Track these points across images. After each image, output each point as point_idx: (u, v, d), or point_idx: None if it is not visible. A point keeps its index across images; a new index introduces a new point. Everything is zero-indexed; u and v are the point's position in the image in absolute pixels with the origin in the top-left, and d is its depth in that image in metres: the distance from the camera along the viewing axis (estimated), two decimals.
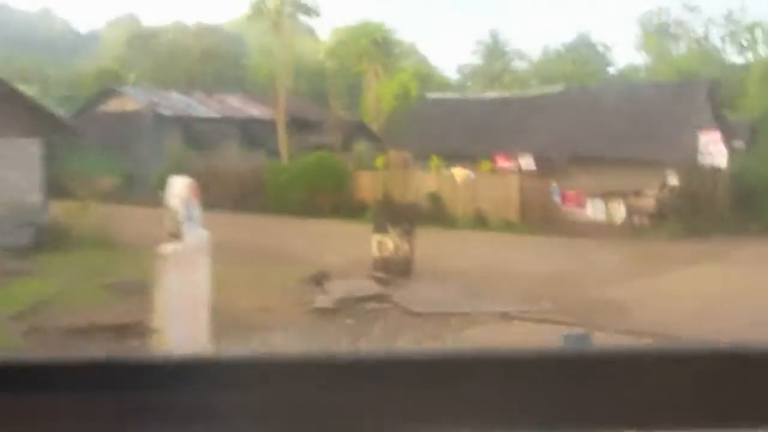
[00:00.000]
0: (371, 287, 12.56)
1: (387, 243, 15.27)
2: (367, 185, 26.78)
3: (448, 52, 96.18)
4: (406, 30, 72.55)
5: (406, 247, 15.30)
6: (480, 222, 23.74)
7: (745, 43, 38.12)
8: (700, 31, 42.78)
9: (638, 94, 23.84)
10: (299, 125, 33.38)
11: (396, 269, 14.46)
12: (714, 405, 0.79)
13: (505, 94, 29.29)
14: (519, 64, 48.09)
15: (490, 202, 23.90)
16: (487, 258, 17.44)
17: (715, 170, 20.75)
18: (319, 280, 13.14)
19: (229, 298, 10.23)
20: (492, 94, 29.82)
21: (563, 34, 62.79)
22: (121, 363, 0.82)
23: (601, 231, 20.99)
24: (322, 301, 11.71)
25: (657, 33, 44.47)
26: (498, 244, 20.12)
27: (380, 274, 14.05)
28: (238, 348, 7.45)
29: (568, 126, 23.58)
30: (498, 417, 0.80)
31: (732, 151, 22.06)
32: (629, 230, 20.76)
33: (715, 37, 41.63)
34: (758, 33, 34.96)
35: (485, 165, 24.75)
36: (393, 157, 27.31)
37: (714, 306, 11.91)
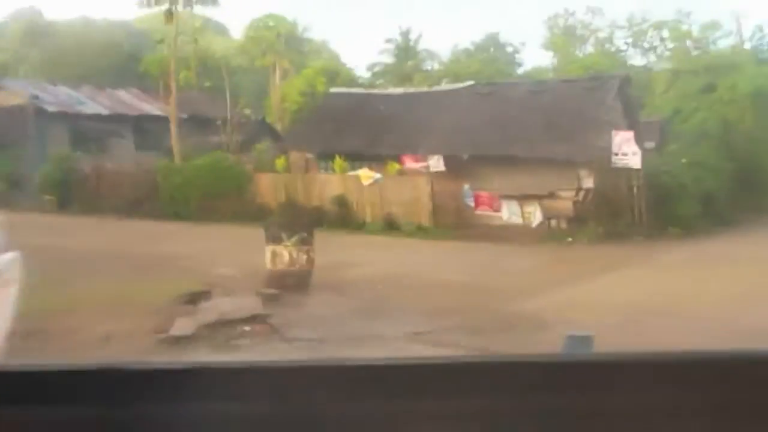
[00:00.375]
0: (252, 307, 10.85)
1: (282, 254, 13.66)
2: (268, 188, 25.11)
3: (361, 51, 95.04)
4: (317, 28, 70.87)
5: (303, 258, 13.73)
6: (390, 227, 22.39)
7: (647, 45, 38.35)
8: (605, 33, 43.20)
9: (549, 90, 22.94)
10: (198, 123, 31.37)
11: (291, 283, 12.83)
12: (716, 411, 0.77)
13: (411, 89, 28.01)
14: (430, 64, 47.66)
15: (400, 205, 22.58)
16: (396, 266, 16.08)
17: (631, 171, 19.98)
18: (195, 298, 11.35)
19: (75, 323, 8.47)
20: (398, 89, 28.45)
21: (473, 34, 62.60)
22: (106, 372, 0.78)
23: (518, 235, 19.95)
24: (180, 326, 9.84)
25: (564, 34, 44.69)
26: (409, 250, 18.80)
27: (271, 290, 12.40)
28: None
29: (478, 124, 22.46)
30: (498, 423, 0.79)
31: (644, 152, 21.37)
32: (546, 234, 19.76)
33: (620, 40, 42.07)
34: (665, 32, 35.08)
35: (392, 166, 23.39)
36: (294, 158, 25.71)
37: (638, 318, 10.85)
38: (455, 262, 16.60)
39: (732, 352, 0.81)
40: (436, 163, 22.55)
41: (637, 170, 20.03)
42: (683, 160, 20.68)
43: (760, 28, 34.97)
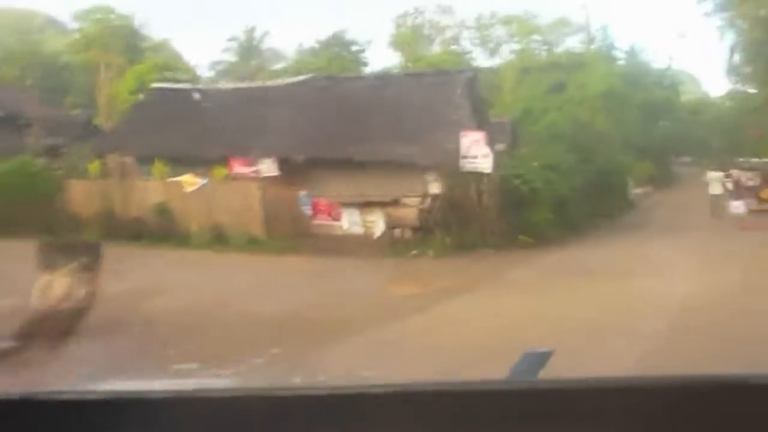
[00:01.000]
0: None
1: (55, 286, 10.66)
2: (81, 197, 21.71)
3: (205, 50, 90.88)
4: (158, 25, 66.53)
5: (81, 291, 10.78)
6: (218, 239, 19.61)
7: (494, 44, 37.48)
8: (452, 33, 42.33)
9: (393, 85, 20.87)
10: (10, 123, 27.37)
11: (51, 328, 9.87)
12: None
13: (243, 84, 25.21)
14: (275, 63, 45.82)
15: (229, 215, 19.80)
16: (214, 291, 13.35)
17: (481, 176, 18.25)
18: None
19: None
20: (228, 84, 25.58)
21: (318, 32, 60.62)
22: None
23: (358, 247, 17.71)
24: None
25: (412, 33, 43.62)
26: (233, 268, 16.16)
27: (24, 334, 9.41)
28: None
29: (315, 122, 20.13)
30: None
31: (495, 154, 19.76)
32: (389, 246, 17.62)
33: (467, 40, 41.23)
34: (513, 27, 34.01)
35: (219, 171, 20.61)
36: (110, 162, 22.37)
37: (493, 353, 8.73)
38: (282, 283, 14.11)
39: (682, 378, 0.76)
40: (269, 167, 19.96)
41: (488, 174, 18.34)
42: (535, 163, 19.22)
43: (605, 29, 34.94)
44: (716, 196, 23.47)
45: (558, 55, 28.46)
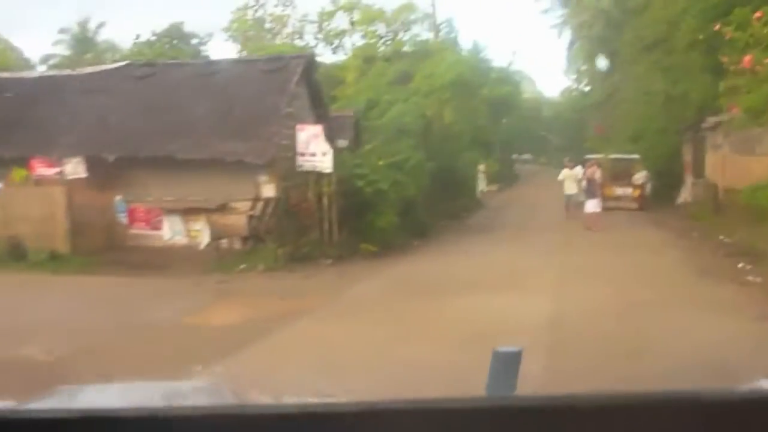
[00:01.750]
0: None
1: None
2: None
3: (39, 42, 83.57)
4: None
5: None
6: (14, 255, 16.50)
7: (337, 41, 35.72)
8: (295, 27, 40.36)
9: (220, 72, 18.40)
10: None
11: None
12: None
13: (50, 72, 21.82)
14: (111, 56, 42.26)
15: (28, 225, 16.71)
16: None
17: (320, 176, 16.30)
18: None
19: None
20: (34, 72, 22.12)
21: (155, 24, 56.65)
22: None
23: (180, 261, 15.26)
24: None
25: (253, 26, 41.25)
26: (18, 293, 13.21)
27: None
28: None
29: (131, 116, 17.40)
30: None
31: (336, 151, 17.86)
32: (214, 260, 15.23)
33: (310, 35, 39.28)
34: (356, 15, 32.25)
35: (18, 173, 17.44)
36: None
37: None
38: (75, 316, 11.43)
39: (657, 394, 0.75)
40: (75, 168, 17.00)
41: (328, 174, 16.39)
42: (380, 162, 17.47)
43: (450, 22, 34.00)
44: (570, 196, 22.80)
45: (403, 43, 27.01)
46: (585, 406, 0.78)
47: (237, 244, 15.65)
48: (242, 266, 14.69)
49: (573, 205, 22.55)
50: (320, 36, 37.34)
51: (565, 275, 13.79)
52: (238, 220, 15.68)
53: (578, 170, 22.79)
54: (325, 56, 35.34)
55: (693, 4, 24.37)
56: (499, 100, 39.84)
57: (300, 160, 16.31)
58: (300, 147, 16.26)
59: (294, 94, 17.69)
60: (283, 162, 16.10)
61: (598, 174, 21.63)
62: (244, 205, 15.83)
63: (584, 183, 21.56)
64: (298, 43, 39.42)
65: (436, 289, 12.13)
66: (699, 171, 28.41)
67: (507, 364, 1.20)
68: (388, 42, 28.62)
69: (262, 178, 16.01)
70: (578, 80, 56.89)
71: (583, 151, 55.64)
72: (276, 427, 0.75)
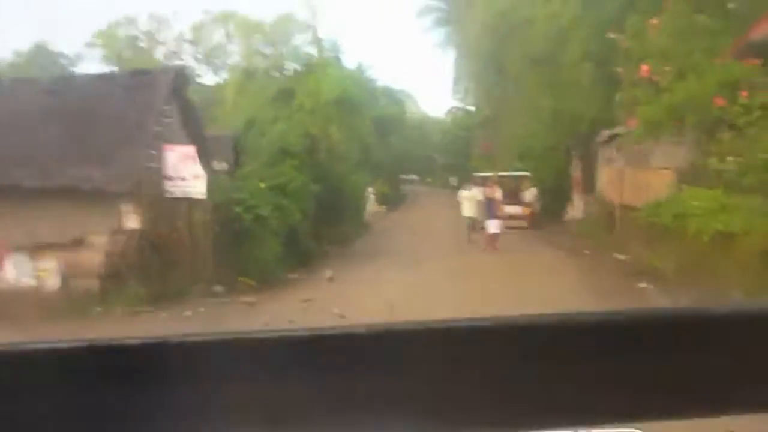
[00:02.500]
0: None
1: None
2: None
3: None
4: None
5: None
6: None
7: (218, 62, 33.62)
8: (172, 47, 37.91)
9: (74, 90, 16.26)
10: None
11: None
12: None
13: None
14: None
15: None
16: None
17: (193, 202, 14.50)
18: None
19: None
20: None
21: (19, 43, 52.93)
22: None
23: (27, 307, 13.04)
24: None
25: (127, 44, 38.63)
26: None
27: None
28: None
29: None
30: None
31: (213, 175, 16.11)
32: (66, 303, 13.08)
33: (189, 55, 37.00)
34: (232, 27, 30.21)
35: None
36: None
37: None
38: None
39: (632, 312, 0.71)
40: None
41: (202, 200, 14.62)
42: (261, 185, 15.85)
43: (333, 40, 32.71)
44: (471, 218, 21.64)
45: (285, 57, 25.36)
46: (592, 322, 0.71)
47: (94, 284, 13.55)
48: (98, 309, 12.67)
49: (474, 228, 21.47)
50: (200, 56, 35.20)
51: (460, 306, 12.63)
52: (95, 257, 13.58)
53: (476, 192, 21.81)
54: (208, 78, 33.24)
55: (584, 14, 24.03)
56: (385, 119, 38.94)
57: (169, 185, 14.46)
58: (168, 170, 14.43)
59: (162, 112, 15.81)
60: (149, 188, 14.18)
61: (498, 193, 20.74)
62: (102, 239, 13.77)
63: (484, 203, 20.63)
64: (177, 63, 37.11)
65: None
66: (590, 187, 28.27)
67: None
68: (269, 56, 26.89)
69: (125, 207, 14.02)
70: (464, 98, 56.94)
71: (470, 169, 55.85)
72: (287, 352, 0.70)
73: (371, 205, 36.14)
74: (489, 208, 20.35)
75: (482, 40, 41.08)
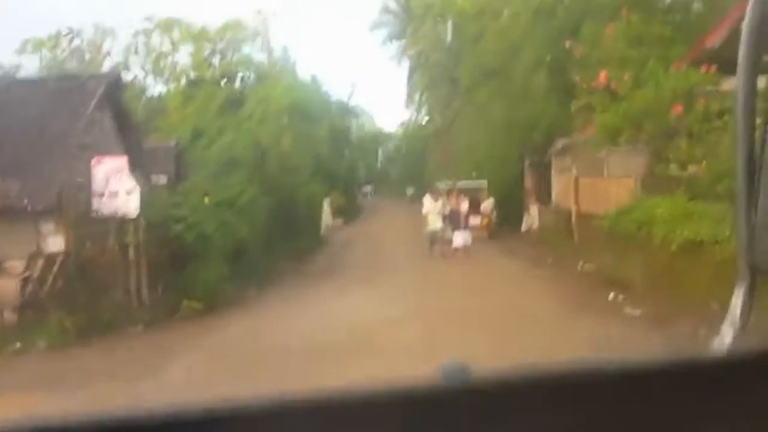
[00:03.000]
0: None
1: None
2: None
3: None
4: None
5: None
6: None
7: (167, 74, 31.75)
8: (119, 58, 35.94)
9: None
10: None
11: None
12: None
13: None
14: None
15: None
16: None
17: (123, 222, 12.89)
18: None
19: None
20: None
21: None
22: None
23: None
24: None
25: (70, 57, 36.39)
26: None
27: None
28: None
29: None
30: None
31: (150, 190, 14.52)
32: None
33: (136, 65, 35.03)
34: (176, 33, 28.38)
35: None
36: None
37: None
38: None
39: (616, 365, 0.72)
40: None
41: (136, 218, 13.01)
42: (206, 200, 14.32)
43: (285, 50, 31.25)
44: (435, 232, 20.17)
45: (233, 64, 23.74)
46: (538, 379, 0.73)
47: (10, 316, 11.84)
48: (17, 345, 10.97)
49: (439, 241, 19.94)
50: (148, 67, 33.27)
51: (427, 326, 11.31)
52: (9, 285, 11.86)
53: (440, 203, 20.39)
54: (155, 88, 31.23)
55: (536, 24, 23.18)
56: (339, 131, 37.73)
57: (98, 201, 12.84)
58: (97, 185, 12.81)
59: (92, 120, 14.18)
60: (74, 205, 12.53)
61: (464, 204, 19.38)
62: (18, 265, 12.06)
63: (448, 215, 19.28)
64: (124, 74, 34.99)
65: (273, 364, 9.27)
66: (545, 196, 27.43)
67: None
68: (216, 64, 25.19)
69: (46, 226, 12.35)
70: (418, 110, 56.23)
71: (425, 181, 55.06)
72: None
73: (327, 217, 34.79)
74: (454, 219, 19.02)
75: (434, 53, 40.22)
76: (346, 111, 42.21)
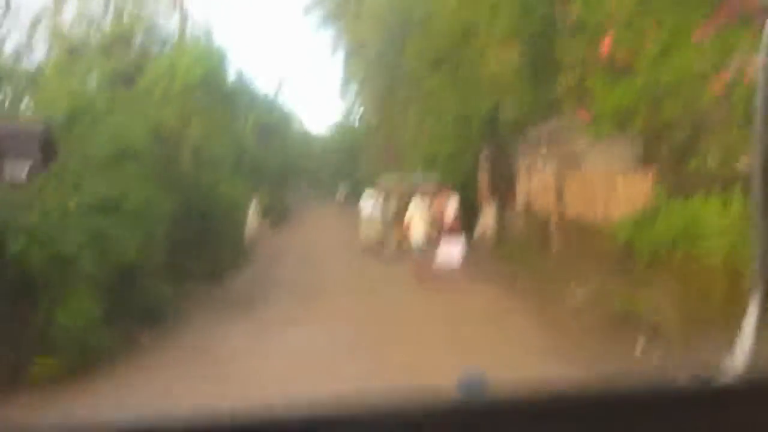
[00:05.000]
0: None
1: None
2: None
3: None
4: None
5: None
6: None
7: (42, 36, 26.34)
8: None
9: None
10: None
11: None
12: None
13: None
14: None
15: None
16: None
17: None
18: None
19: None
20: None
21: None
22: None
23: None
24: None
25: None
26: None
27: None
28: None
29: None
30: None
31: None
32: None
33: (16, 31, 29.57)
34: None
35: None
36: None
37: None
38: None
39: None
40: None
41: None
42: (71, 203, 9.77)
43: (208, 34, 26.45)
44: (420, 246, 14.80)
45: (128, 25, 18.57)
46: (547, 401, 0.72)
47: None
48: None
49: (418, 260, 14.53)
50: (24, 29, 27.52)
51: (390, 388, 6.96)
52: None
53: (420, 206, 15.30)
54: (32, 56, 25.76)
55: None
56: (269, 128, 33.51)
57: None
58: None
59: None
60: None
61: (452, 206, 14.29)
62: None
63: (430, 221, 14.51)
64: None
65: None
66: (506, 197, 23.62)
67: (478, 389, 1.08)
68: (107, 29, 19.87)
69: None
70: (355, 102, 52.41)
71: (361, 180, 51.08)
72: None
73: (254, 221, 30.32)
74: (433, 225, 14.27)
75: (375, 38, 36.45)
76: (275, 105, 37.90)
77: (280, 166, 41.13)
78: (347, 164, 55.60)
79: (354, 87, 48.09)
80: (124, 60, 15.13)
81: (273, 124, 36.02)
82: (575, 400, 0.76)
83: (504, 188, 24.29)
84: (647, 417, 0.74)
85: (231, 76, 21.60)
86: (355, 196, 53.60)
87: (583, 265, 13.62)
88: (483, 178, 25.40)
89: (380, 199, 22.26)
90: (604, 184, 14.03)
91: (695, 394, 0.76)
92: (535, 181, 19.65)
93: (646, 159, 14.25)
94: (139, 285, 11.18)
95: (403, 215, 22.86)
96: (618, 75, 13.33)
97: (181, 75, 14.04)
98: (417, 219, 14.79)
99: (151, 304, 11.64)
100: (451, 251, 13.80)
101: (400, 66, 33.61)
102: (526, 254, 17.39)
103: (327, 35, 47.72)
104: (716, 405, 0.73)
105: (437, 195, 14.81)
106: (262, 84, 37.85)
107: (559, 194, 16.93)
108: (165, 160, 14.28)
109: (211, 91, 14.71)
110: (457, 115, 25.68)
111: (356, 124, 55.05)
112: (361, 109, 50.48)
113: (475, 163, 26.85)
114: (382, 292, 14.38)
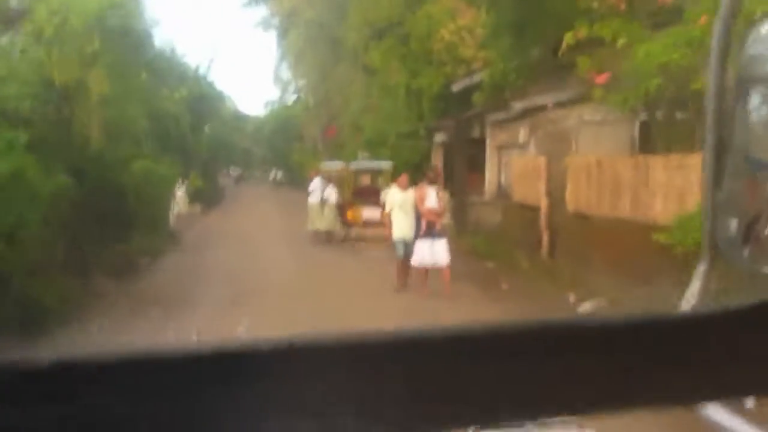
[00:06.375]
0: None
1: None
2: None
3: None
4: None
5: None
6: None
7: None
8: None
9: None
10: None
11: None
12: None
13: None
14: None
15: None
16: None
17: None
18: None
19: None
20: None
21: None
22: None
23: None
24: None
25: None
26: None
27: None
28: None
29: None
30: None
31: None
32: None
33: None
34: None
35: None
36: None
37: None
38: None
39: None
40: None
41: None
42: None
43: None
44: (406, 244, 11.83)
45: None
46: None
47: None
48: None
49: (401, 262, 11.61)
50: None
51: None
52: None
53: (410, 194, 12.39)
54: None
55: None
56: (199, 104, 30.67)
57: None
58: None
59: None
60: None
61: (432, 196, 11.26)
62: None
63: (414, 212, 11.79)
64: None
65: None
66: (470, 183, 21.36)
67: None
68: None
69: None
70: (289, 81, 49.67)
71: (292, 163, 48.21)
72: (188, 369, 0.66)
73: (184, 205, 27.45)
74: (419, 219, 11.53)
75: (310, 9, 33.87)
76: (205, 81, 34.97)
77: (212, 145, 38.14)
78: (282, 145, 52.80)
79: (289, 65, 45.61)
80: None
81: (204, 101, 33.10)
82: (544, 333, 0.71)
83: (464, 172, 21.96)
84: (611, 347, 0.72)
85: (156, 41, 18.68)
86: (289, 177, 51.17)
87: (591, 268, 11.28)
88: (438, 163, 22.99)
89: (326, 187, 19.86)
90: (630, 170, 11.29)
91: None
92: (515, 165, 17.09)
93: (643, 142, 11.90)
94: (21, 281, 8.35)
95: (351, 202, 20.40)
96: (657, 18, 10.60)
97: (78, 13, 10.94)
98: (397, 211, 12.12)
99: (34, 305, 8.81)
100: (436, 248, 11.18)
101: (338, 39, 31.05)
102: (503, 253, 15.04)
103: (259, 11, 44.83)
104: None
105: (424, 180, 12.18)
106: (192, 61, 34.93)
107: (552, 181, 14.39)
108: (59, 127, 11.28)
109: (114, 36, 11.73)
110: (408, 90, 23.48)
111: (292, 105, 52.25)
112: (299, 85, 47.74)
113: (430, 144, 24.59)
114: (336, 294, 11.79)
